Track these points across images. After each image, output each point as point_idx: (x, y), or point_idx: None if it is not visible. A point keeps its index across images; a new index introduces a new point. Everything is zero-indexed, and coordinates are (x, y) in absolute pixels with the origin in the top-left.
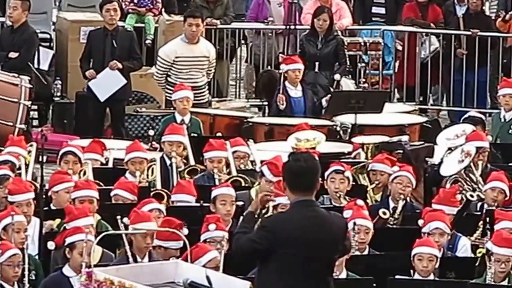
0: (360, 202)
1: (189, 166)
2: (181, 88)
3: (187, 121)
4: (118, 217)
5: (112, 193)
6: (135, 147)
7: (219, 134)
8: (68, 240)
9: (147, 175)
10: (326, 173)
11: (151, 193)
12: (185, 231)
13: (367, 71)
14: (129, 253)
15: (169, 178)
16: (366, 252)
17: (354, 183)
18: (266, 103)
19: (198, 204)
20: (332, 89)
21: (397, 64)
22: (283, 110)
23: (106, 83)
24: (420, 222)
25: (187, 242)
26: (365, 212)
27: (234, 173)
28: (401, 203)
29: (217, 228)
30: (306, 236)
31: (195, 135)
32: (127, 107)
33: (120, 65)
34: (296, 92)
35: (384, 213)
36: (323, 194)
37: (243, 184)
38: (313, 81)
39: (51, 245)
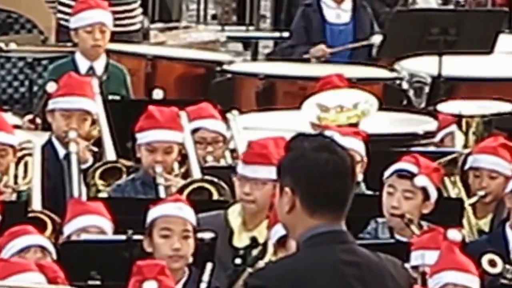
0: (454, 235)
1: (107, 162)
2: (89, 5)
3: (101, 70)
4: None
5: None
6: None
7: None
8: None
9: (16, 177)
10: (385, 176)
11: (27, 216)
12: None
13: None
14: None
15: (63, 185)
16: None
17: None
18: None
19: (123, 237)
20: (397, 6)
21: None
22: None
23: None
24: None
25: None
26: (463, 257)
27: (196, 173)
28: None
29: (161, 287)
30: None
31: (117, 98)
32: None
33: None
34: (339, 13)
35: (493, 263)
36: (374, 217)
37: (214, 196)
38: None
39: None
